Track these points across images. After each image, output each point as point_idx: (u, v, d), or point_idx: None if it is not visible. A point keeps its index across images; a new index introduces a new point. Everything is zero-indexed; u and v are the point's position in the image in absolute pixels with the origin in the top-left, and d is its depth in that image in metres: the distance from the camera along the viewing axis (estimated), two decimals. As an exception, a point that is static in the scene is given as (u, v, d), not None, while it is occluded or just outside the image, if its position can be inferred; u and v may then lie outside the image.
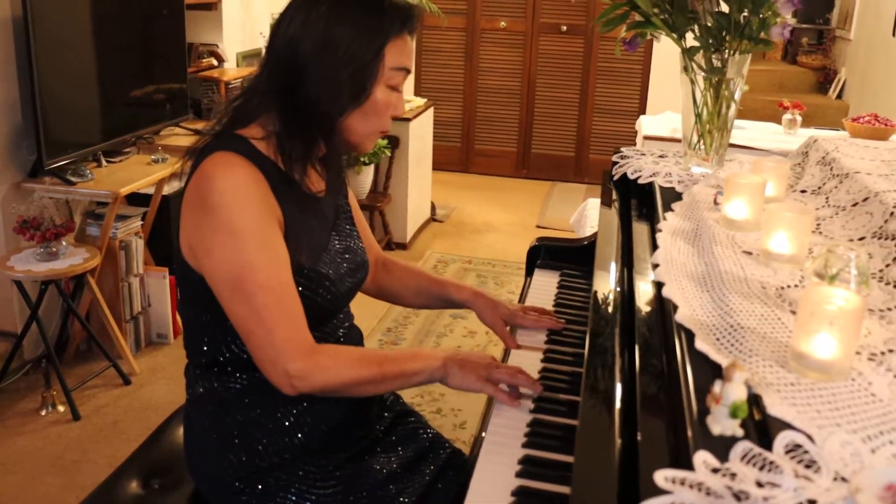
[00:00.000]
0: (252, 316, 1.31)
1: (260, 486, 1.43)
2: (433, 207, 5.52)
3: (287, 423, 1.44)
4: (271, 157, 1.40)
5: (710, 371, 1.05)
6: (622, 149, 2.19)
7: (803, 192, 1.79)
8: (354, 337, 1.62)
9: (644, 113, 5.98)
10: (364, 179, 4.67)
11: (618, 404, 1.16)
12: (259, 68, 1.46)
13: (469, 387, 1.42)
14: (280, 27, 1.42)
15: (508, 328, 1.72)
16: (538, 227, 5.48)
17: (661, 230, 1.57)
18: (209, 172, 1.34)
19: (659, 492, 0.81)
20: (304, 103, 1.39)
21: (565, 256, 2.16)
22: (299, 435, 1.44)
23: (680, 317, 1.19)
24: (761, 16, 1.80)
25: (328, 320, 1.51)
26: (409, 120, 4.81)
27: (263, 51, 1.49)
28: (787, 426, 0.91)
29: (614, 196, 2.05)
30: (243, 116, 1.43)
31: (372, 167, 4.71)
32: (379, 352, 1.43)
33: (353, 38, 1.37)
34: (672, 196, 1.83)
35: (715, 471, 0.84)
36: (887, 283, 1.27)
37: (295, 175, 1.40)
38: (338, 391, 1.38)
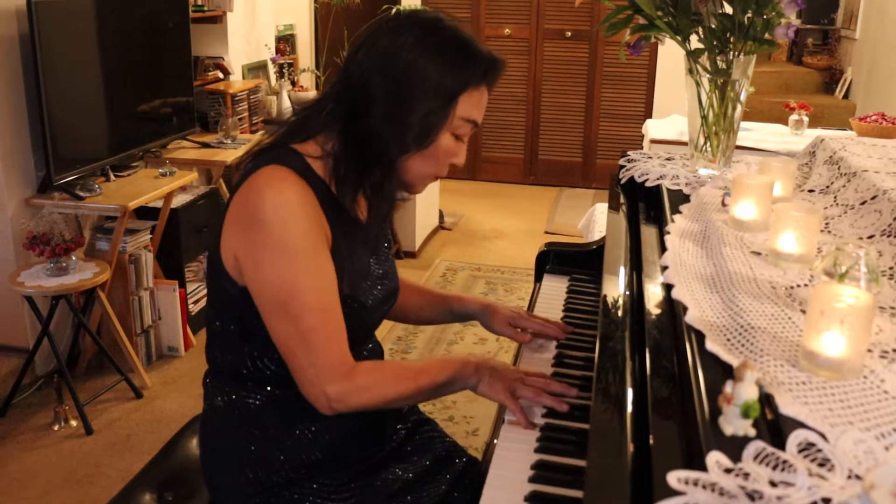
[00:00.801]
0: (297, 336, 1.30)
1: (273, 500, 1.43)
2: (441, 215, 5.52)
3: (305, 441, 1.43)
4: (324, 177, 1.37)
5: (721, 372, 1.04)
6: (629, 152, 2.19)
7: (811, 191, 1.79)
8: (376, 356, 1.62)
9: (650, 116, 5.98)
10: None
11: (629, 407, 1.16)
12: (330, 86, 1.43)
13: (495, 397, 1.41)
14: (360, 50, 1.39)
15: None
16: (547, 232, 5.48)
17: (669, 232, 1.57)
18: (260, 186, 1.31)
19: (672, 493, 0.81)
20: (367, 134, 1.36)
21: (574, 261, 2.15)
22: (317, 452, 1.44)
23: (690, 318, 1.19)
24: (765, 17, 1.79)
25: (360, 344, 1.51)
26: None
27: (338, 70, 1.45)
28: (800, 425, 0.90)
29: (622, 200, 2.05)
30: (302, 131, 1.40)
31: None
32: (413, 365, 1.42)
33: (430, 81, 1.34)
34: (679, 198, 1.83)
35: (728, 471, 0.83)
36: (898, 281, 1.26)
37: (345, 200, 1.38)
38: (373, 408, 1.38)
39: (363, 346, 1.54)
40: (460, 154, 1.44)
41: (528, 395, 1.41)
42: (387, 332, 3.81)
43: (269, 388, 1.42)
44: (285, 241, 1.29)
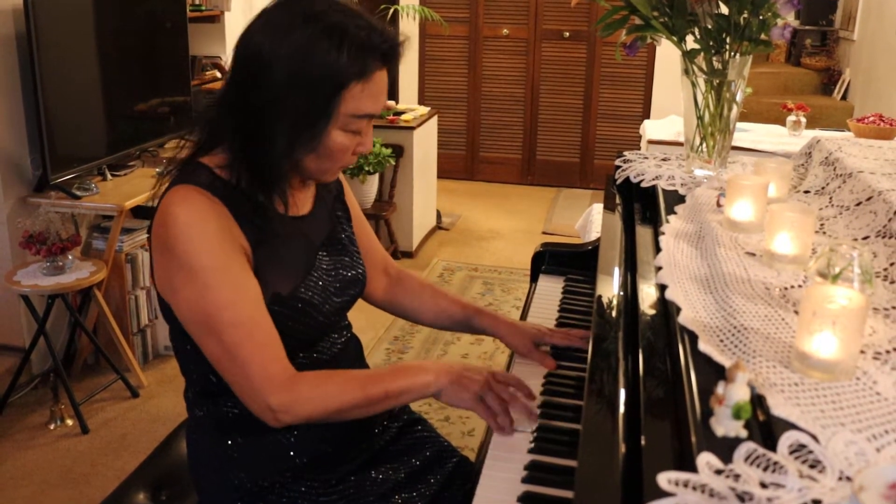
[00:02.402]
0: (224, 354, 1.28)
1: None
2: (439, 215, 5.52)
3: (288, 445, 1.42)
4: (235, 184, 1.33)
5: (713, 373, 1.04)
6: (625, 153, 2.19)
7: (807, 192, 1.78)
8: (351, 351, 1.59)
9: (648, 117, 5.98)
10: (369, 189, 4.68)
11: (621, 408, 1.16)
12: (220, 90, 1.39)
13: (461, 405, 1.38)
14: (245, 41, 1.33)
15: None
16: (544, 233, 5.48)
17: (664, 233, 1.57)
18: (166, 210, 1.30)
19: (663, 494, 0.81)
20: (256, 142, 1.31)
21: (570, 261, 2.15)
22: (301, 455, 1.43)
23: (683, 319, 1.19)
24: (761, 17, 1.79)
25: (318, 341, 1.47)
26: (413, 128, 4.82)
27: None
28: (792, 426, 0.90)
29: (618, 200, 2.05)
30: (205, 142, 1.38)
31: (377, 176, 4.72)
32: (362, 373, 1.40)
33: (307, 82, 1.27)
34: (675, 199, 1.83)
35: (719, 472, 0.83)
36: (892, 282, 1.26)
37: (262, 200, 1.34)
38: (324, 419, 1.34)
39: (329, 341, 1.50)
40: (365, 143, 1.37)
41: (494, 403, 1.37)
42: (384, 331, 3.81)
43: (240, 400, 1.39)
44: (193, 262, 1.27)
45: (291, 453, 1.42)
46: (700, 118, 1.95)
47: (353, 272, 1.53)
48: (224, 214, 1.31)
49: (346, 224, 1.58)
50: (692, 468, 0.84)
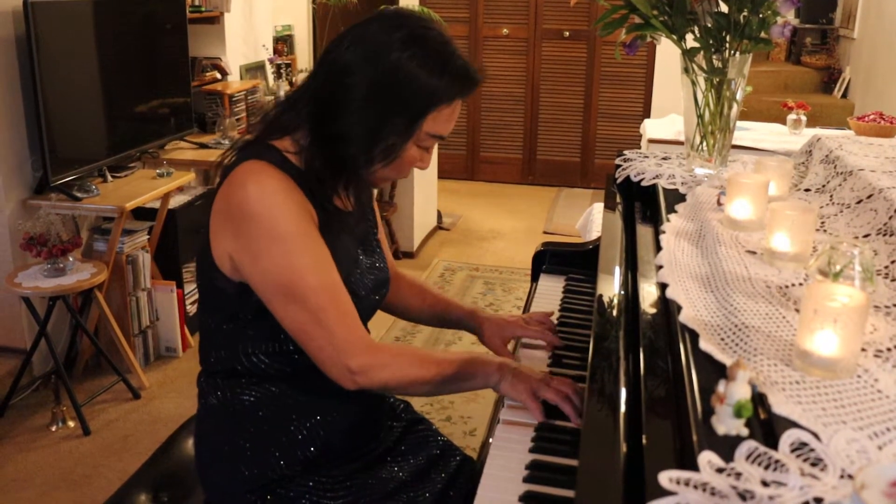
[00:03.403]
0: (309, 318, 1.31)
1: (270, 497, 1.43)
2: (439, 215, 5.52)
3: (300, 437, 1.43)
4: (304, 169, 1.38)
5: (714, 371, 1.04)
6: (625, 152, 2.19)
7: (807, 190, 1.78)
8: None
9: (648, 116, 5.97)
10: (369, 189, 4.67)
11: (622, 406, 1.16)
12: (308, 78, 1.43)
13: (518, 396, 1.41)
14: (344, 40, 1.38)
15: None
16: (545, 232, 5.48)
17: (664, 232, 1.57)
18: (241, 181, 1.33)
19: (664, 493, 0.81)
20: (336, 139, 1.36)
21: (570, 261, 2.15)
22: (312, 448, 1.44)
23: (684, 317, 1.19)
24: (761, 15, 1.79)
25: None
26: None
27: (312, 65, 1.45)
28: (793, 424, 0.90)
29: (618, 199, 2.05)
30: (277, 129, 1.41)
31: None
32: (437, 353, 1.43)
33: (408, 87, 1.33)
34: (675, 198, 1.83)
35: (720, 471, 0.83)
36: (893, 280, 1.26)
37: (324, 192, 1.39)
38: (396, 389, 1.39)
39: None
40: (424, 160, 1.44)
41: (551, 396, 1.40)
42: (385, 331, 3.81)
43: (264, 385, 1.43)
44: (276, 229, 1.30)
45: (302, 445, 1.43)
46: (700, 117, 1.94)
47: (384, 275, 1.57)
48: (295, 189, 1.35)
49: (375, 228, 1.63)
50: (693, 467, 0.84)
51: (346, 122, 1.35)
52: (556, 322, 1.77)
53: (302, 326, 1.32)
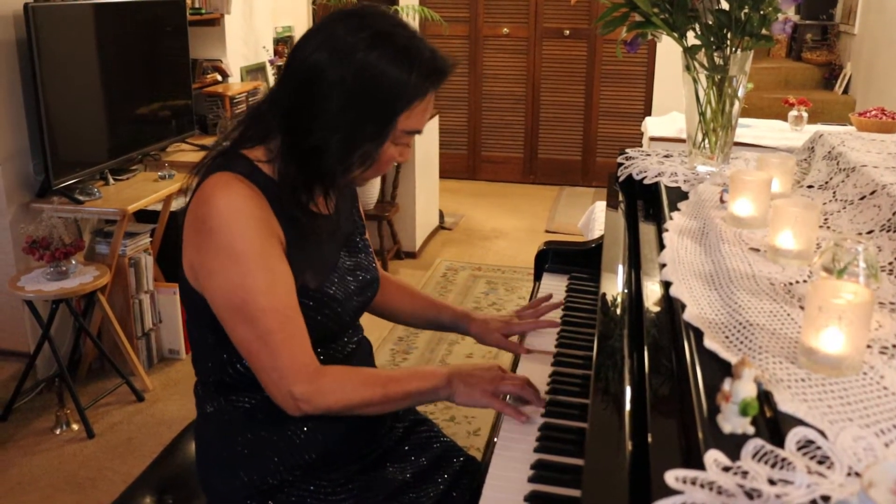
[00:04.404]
0: (256, 339, 1.30)
1: (270, 503, 1.42)
2: (441, 215, 5.52)
3: (297, 442, 1.43)
4: (274, 178, 1.36)
5: (719, 369, 1.04)
6: (627, 150, 2.19)
7: (810, 187, 1.78)
8: (363, 351, 1.61)
9: (650, 114, 5.97)
10: (371, 189, 4.67)
11: (627, 406, 1.16)
12: (275, 83, 1.41)
13: (475, 403, 1.40)
14: (309, 42, 1.35)
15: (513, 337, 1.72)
16: (547, 231, 5.47)
17: (667, 230, 1.57)
18: (208, 194, 1.32)
19: (670, 492, 0.80)
20: (311, 152, 1.34)
21: (573, 260, 2.15)
22: (310, 452, 1.44)
23: (688, 316, 1.19)
24: (762, 12, 1.79)
25: (336, 339, 1.50)
26: (414, 129, 4.80)
27: (280, 69, 1.44)
28: (799, 422, 0.90)
29: (620, 198, 2.05)
30: (248, 138, 1.40)
31: (379, 177, 4.71)
32: (383, 372, 1.42)
33: (380, 89, 1.30)
34: (678, 195, 1.82)
35: (726, 469, 0.83)
36: (897, 276, 1.25)
37: (300, 198, 1.38)
38: (343, 412, 1.37)
39: (344, 339, 1.52)
40: (404, 155, 1.42)
41: (509, 388, 1.41)
42: (387, 332, 3.81)
43: (255, 392, 1.41)
44: (233, 246, 1.29)
45: (300, 451, 1.43)
46: (702, 114, 1.94)
47: (370, 275, 1.56)
48: (263, 204, 1.33)
49: (361, 230, 1.62)
50: (700, 465, 0.84)
51: (321, 134, 1.32)
52: (559, 321, 1.77)
53: (249, 347, 1.32)
